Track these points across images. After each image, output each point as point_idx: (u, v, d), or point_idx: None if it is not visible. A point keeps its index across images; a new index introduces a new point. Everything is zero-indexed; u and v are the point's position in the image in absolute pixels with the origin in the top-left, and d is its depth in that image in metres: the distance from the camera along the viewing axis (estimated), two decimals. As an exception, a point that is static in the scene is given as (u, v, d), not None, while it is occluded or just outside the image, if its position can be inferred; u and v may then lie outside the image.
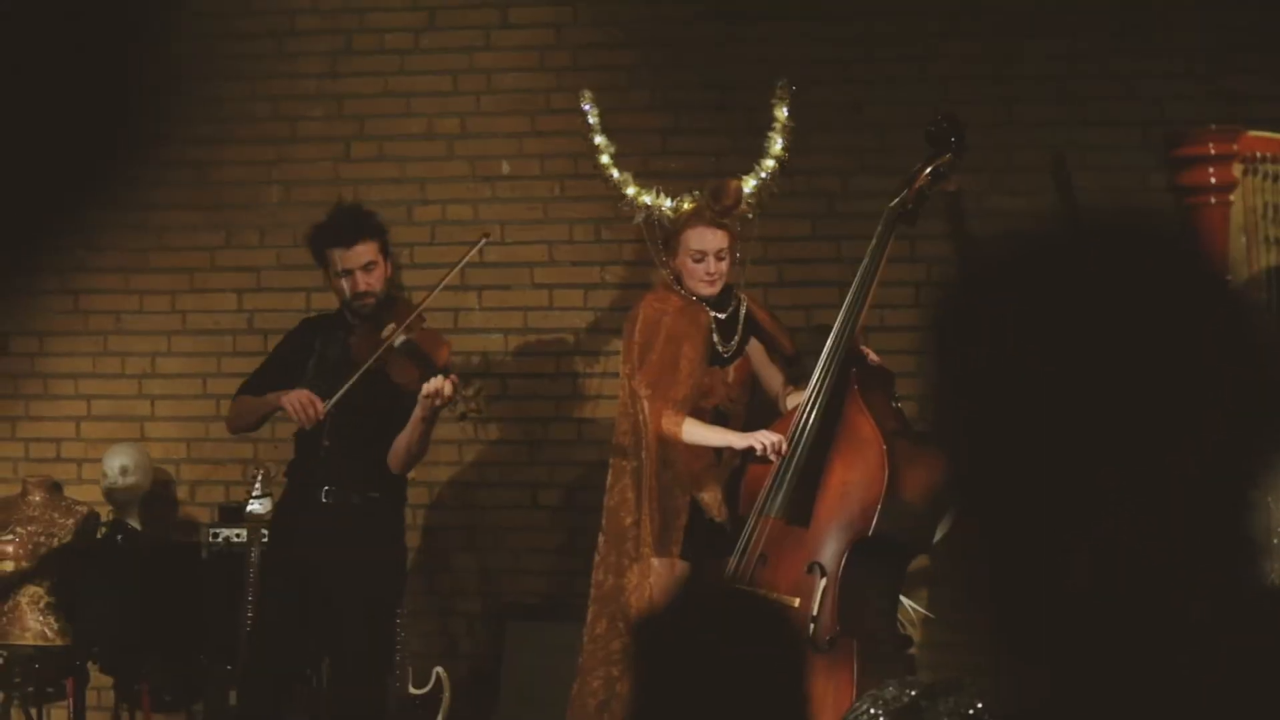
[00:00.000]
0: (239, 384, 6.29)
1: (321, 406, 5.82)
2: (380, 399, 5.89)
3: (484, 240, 6.14)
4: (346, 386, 5.83)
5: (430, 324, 6.08)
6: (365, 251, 5.95)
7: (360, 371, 5.82)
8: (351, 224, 5.99)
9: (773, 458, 5.74)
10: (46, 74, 7.31)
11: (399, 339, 5.85)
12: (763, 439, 5.75)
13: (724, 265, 5.95)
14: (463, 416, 5.99)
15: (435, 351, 5.88)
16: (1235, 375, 1.35)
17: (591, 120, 6.13)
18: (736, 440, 5.84)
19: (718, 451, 5.96)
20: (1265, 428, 1.37)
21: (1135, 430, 1.34)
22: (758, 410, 6.16)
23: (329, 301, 6.41)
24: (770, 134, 6.08)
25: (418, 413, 5.82)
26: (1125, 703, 1.34)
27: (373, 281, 5.96)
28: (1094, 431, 1.34)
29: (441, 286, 6.03)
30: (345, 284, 5.94)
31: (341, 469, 5.97)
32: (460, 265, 6.09)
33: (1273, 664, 1.34)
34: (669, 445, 5.87)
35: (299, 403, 5.83)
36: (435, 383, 5.69)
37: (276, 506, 6.26)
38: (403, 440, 5.91)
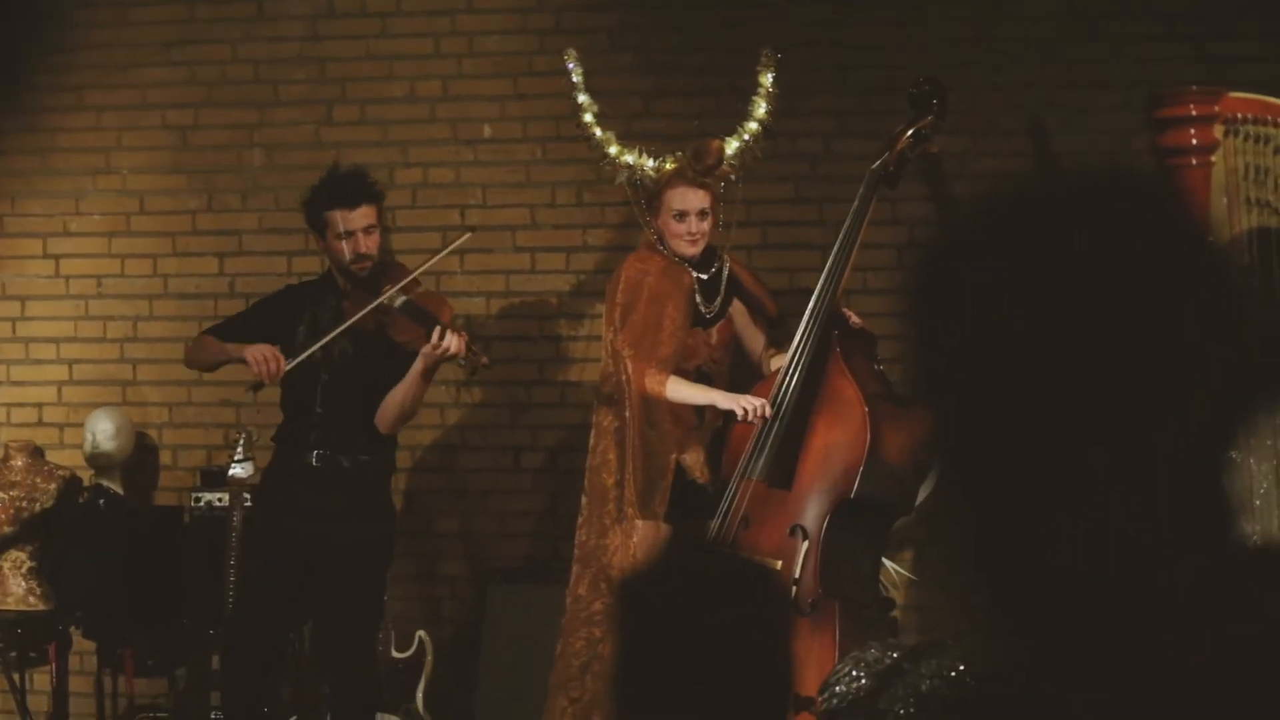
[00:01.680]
0: None
1: (283, 363, 5.80)
2: (377, 362, 5.89)
3: (467, 235, 6.24)
4: (329, 337, 5.83)
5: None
6: (367, 214, 5.95)
7: (345, 326, 5.81)
8: (356, 186, 5.99)
9: (756, 421, 5.74)
10: (24, 39, 7.27)
11: (398, 300, 5.85)
12: (746, 403, 5.75)
13: (705, 225, 5.95)
14: (474, 373, 6.03)
15: (438, 310, 5.90)
16: (1220, 353, 1.34)
17: (575, 79, 6.11)
18: (720, 399, 5.84)
19: (700, 414, 5.96)
20: (1248, 407, 1.37)
21: (1121, 404, 1.33)
22: (740, 372, 6.15)
23: (311, 265, 6.39)
24: (754, 98, 6.07)
25: (419, 365, 5.82)
26: (1109, 676, 1.34)
27: (372, 245, 5.95)
28: (1079, 400, 1.34)
29: (421, 270, 6.03)
30: (346, 246, 5.92)
31: (333, 434, 5.97)
32: (442, 255, 6.24)
33: (1259, 646, 1.34)
34: (653, 405, 5.87)
35: (261, 356, 5.79)
36: (446, 335, 5.71)
37: (264, 472, 6.23)
38: (396, 396, 5.91)
